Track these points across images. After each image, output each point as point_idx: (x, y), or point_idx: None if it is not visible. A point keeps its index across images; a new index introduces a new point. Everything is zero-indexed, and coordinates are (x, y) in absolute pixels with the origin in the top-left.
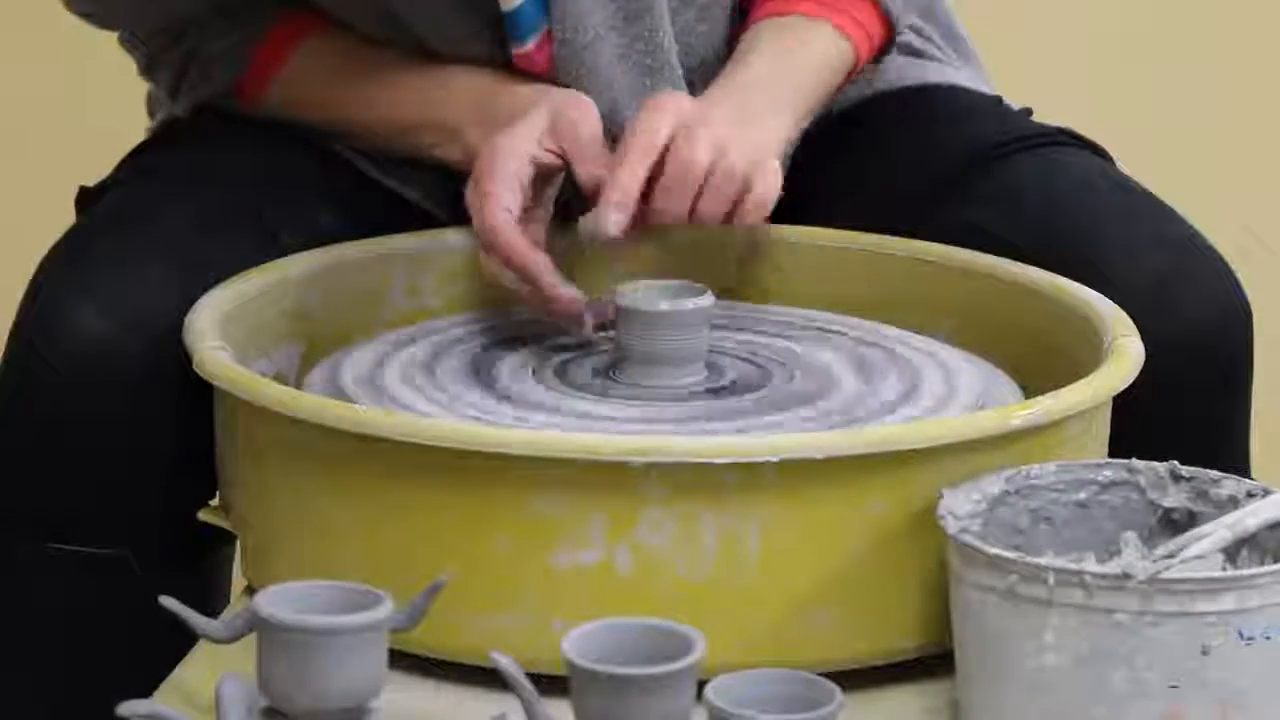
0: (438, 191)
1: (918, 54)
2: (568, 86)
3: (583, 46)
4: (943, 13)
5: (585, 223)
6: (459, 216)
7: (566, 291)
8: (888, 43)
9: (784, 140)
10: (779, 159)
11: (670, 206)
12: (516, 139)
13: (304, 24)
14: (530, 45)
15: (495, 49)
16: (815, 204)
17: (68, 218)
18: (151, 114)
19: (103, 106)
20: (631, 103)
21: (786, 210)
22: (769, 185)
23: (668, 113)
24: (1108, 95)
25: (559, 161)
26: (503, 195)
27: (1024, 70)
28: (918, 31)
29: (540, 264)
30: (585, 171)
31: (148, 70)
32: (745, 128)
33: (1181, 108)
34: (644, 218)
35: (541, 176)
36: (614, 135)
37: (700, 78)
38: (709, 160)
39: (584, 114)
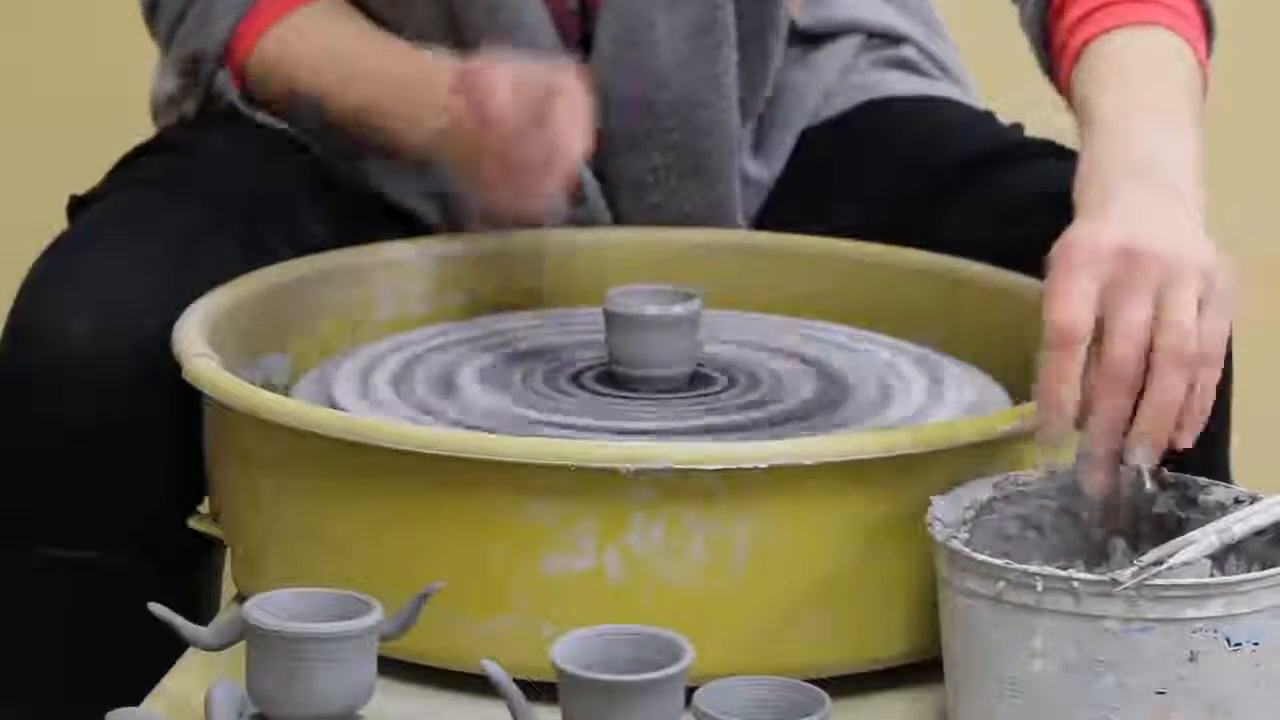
0: (432, 194)
1: (913, 69)
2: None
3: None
4: (933, 33)
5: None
6: (450, 218)
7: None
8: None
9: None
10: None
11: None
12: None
13: None
14: None
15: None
16: (807, 211)
17: (60, 222)
18: (155, 115)
19: (100, 109)
20: (678, 72)
21: (780, 216)
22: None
23: (1084, 275)
24: None
25: None
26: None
27: (1015, 86)
28: (911, 44)
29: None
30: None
31: (150, 11)
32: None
33: None
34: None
35: None
36: (654, 110)
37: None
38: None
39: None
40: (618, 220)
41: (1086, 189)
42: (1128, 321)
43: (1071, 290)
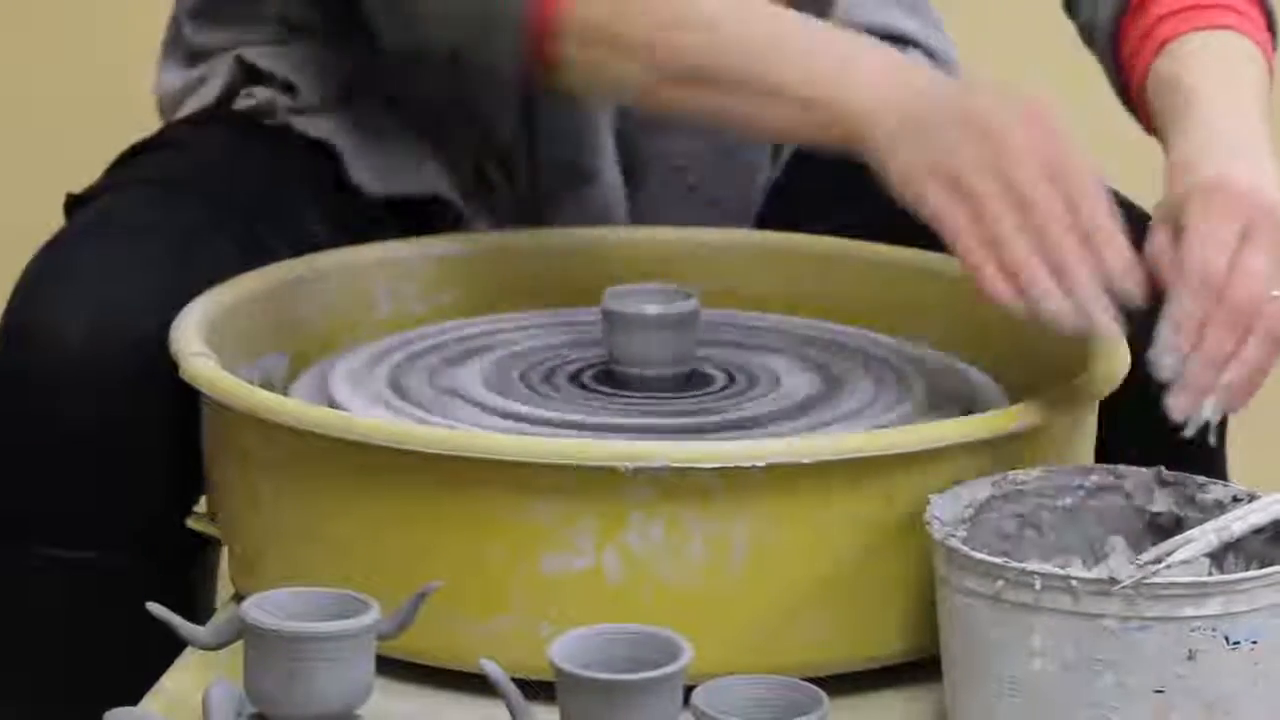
0: (453, 176)
1: None
2: None
3: None
4: (936, 34)
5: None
6: (477, 202)
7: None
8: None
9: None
10: None
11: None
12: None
13: None
14: None
15: None
16: (809, 210)
17: (59, 222)
18: (162, 111)
19: (100, 109)
20: None
21: (782, 215)
22: None
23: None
24: (1096, 109)
25: None
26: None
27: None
28: (918, 47)
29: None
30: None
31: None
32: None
33: None
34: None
35: None
36: None
37: None
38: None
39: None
40: (644, 207)
41: (1198, 160)
42: (1253, 267)
43: (1217, 237)
